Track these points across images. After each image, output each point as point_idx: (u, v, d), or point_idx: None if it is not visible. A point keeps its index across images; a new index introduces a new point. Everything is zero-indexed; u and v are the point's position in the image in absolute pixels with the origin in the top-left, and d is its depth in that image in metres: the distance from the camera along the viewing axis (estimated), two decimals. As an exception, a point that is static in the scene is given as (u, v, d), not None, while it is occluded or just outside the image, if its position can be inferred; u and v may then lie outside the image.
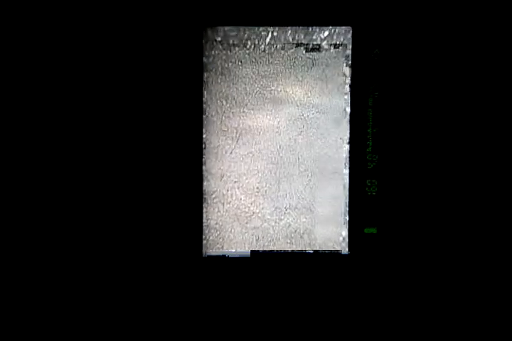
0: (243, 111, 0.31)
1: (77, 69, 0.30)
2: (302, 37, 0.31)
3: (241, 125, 0.32)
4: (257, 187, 0.32)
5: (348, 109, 0.31)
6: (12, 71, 0.30)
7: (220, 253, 0.32)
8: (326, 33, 0.31)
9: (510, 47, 0.31)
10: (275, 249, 0.32)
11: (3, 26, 0.30)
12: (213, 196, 0.32)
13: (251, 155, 0.32)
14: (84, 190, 0.31)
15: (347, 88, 0.31)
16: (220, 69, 0.31)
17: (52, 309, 0.31)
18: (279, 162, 0.32)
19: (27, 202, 0.31)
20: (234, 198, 0.32)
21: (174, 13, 0.30)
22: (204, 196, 0.32)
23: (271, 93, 0.31)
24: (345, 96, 0.31)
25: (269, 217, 0.32)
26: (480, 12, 0.31)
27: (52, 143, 0.31)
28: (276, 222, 0.32)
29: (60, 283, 0.31)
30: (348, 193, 0.32)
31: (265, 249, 0.32)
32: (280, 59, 0.31)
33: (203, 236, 0.32)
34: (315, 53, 0.31)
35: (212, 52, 0.31)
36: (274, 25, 0.31)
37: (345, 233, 0.32)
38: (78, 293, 0.31)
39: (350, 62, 0.31)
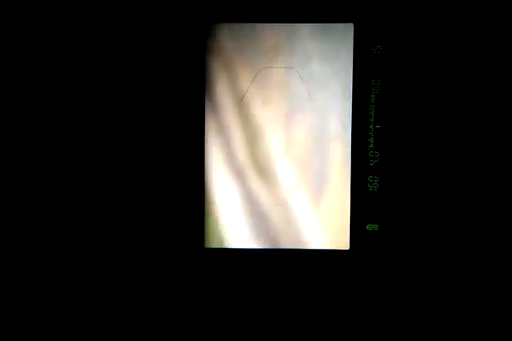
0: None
1: (82, 64, 0.31)
2: None
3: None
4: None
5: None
6: (16, 70, 0.31)
7: (222, 246, 0.32)
8: None
9: (509, 45, 0.30)
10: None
11: (16, 26, 0.31)
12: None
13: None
14: (92, 185, 0.32)
15: None
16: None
17: (57, 296, 0.32)
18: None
19: (35, 196, 0.32)
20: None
21: (179, 9, 0.31)
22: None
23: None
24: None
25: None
26: (478, 8, 0.30)
27: (54, 142, 0.32)
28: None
29: (68, 272, 0.32)
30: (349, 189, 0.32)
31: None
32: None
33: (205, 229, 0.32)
34: None
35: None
36: (277, 22, 0.31)
37: None
38: (84, 281, 0.32)
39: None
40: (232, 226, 0.32)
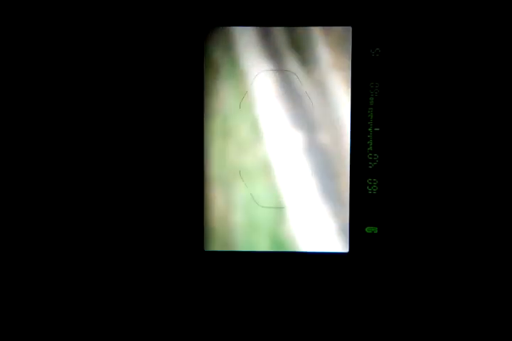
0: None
1: (82, 67, 0.31)
2: None
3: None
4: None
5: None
6: (16, 71, 0.31)
7: (221, 249, 0.32)
8: None
9: (508, 48, 0.30)
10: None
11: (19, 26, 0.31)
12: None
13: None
14: (91, 187, 0.32)
15: None
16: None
17: (58, 297, 0.32)
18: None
19: (34, 197, 0.32)
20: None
21: (178, 13, 0.31)
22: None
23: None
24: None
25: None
26: (476, 11, 0.31)
27: (53, 143, 0.32)
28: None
29: (70, 274, 0.32)
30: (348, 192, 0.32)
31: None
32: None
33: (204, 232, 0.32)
34: None
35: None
36: (275, 25, 0.31)
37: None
38: (84, 284, 0.32)
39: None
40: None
